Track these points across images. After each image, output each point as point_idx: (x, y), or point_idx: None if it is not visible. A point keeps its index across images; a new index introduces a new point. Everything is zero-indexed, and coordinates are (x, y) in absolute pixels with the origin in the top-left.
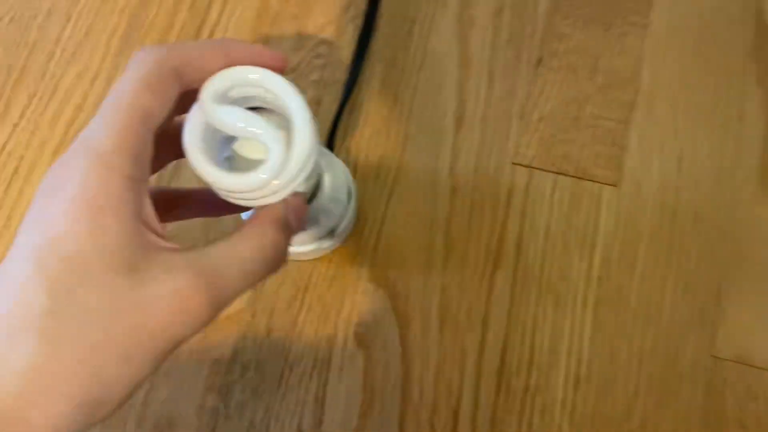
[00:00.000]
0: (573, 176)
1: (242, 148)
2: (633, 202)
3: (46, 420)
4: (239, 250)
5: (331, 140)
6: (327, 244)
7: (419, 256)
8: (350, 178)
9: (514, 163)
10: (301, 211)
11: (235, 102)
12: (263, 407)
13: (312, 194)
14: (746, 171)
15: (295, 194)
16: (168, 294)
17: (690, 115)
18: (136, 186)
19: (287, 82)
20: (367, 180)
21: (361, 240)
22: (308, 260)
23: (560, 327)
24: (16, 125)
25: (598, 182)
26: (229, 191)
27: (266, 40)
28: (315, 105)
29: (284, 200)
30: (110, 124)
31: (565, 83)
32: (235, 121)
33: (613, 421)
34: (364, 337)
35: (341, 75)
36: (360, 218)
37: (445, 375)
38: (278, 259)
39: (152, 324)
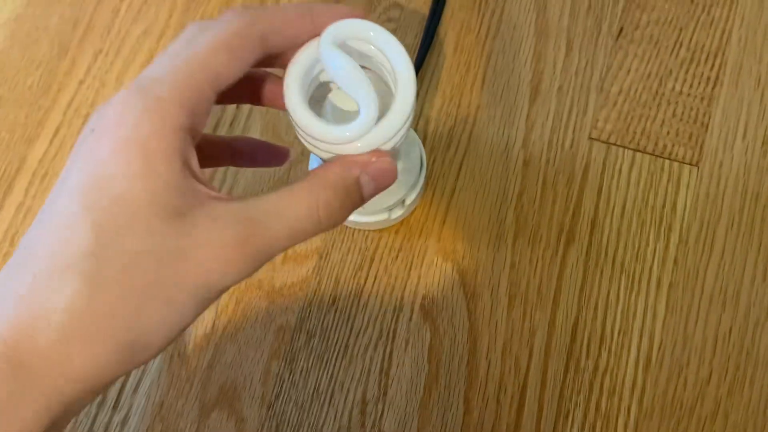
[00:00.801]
0: (652, 154)
1: (337, 100)
2: (713, 183)
3: (87, 360)
4: (287, 207)
5: None
6: (396, 215)
7: (489, 231)
8: (422, 147)
9: (590, 138)
10: (386, 176)
11: None
12: (328, 375)
13: None
14: None
15: (382, 155)
16: (212, 243)
17: None
18: (187, 137)
19: (398, 41)
20: (437, 150)
21: (429, 212)
22: (375, 230)
23: (633, 308)
24: (81, 82)
25: (678, 161)
26: (315, 138)
27: (338, 1)
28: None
29: (362, 162)
30: (176, 73)
31: (646, 56)
32: (343, 67)
33: (684, 406)
34: (430, 309)
35: (413, 40)
36: (429, 190)
37: (513, 352)
38: (330, 221)
39: (195, 271)
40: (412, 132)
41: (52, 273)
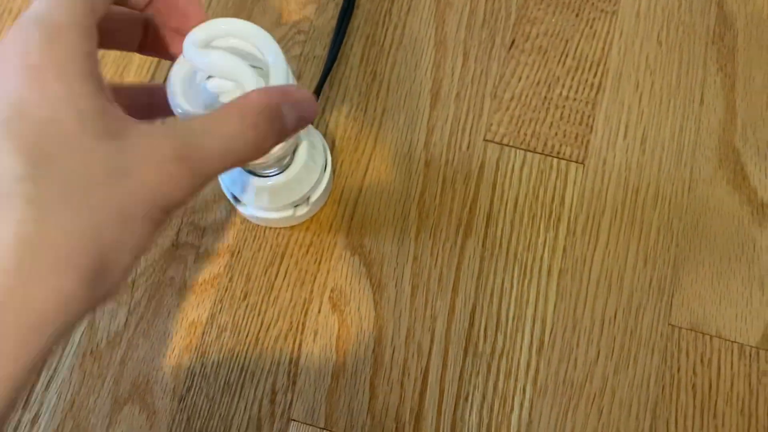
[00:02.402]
0: (541, 153)
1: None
2: (598, 179)
3: (51, 296)
4: (218, 127)
5: None
6: (302, 212)
7: (394, 226)
8: (326, 147)
9: (485, 140)
10: (305, 106)
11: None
12: (238, 367)
13: (289, 160)
14: (705, 151)
15: (299, 87)
16: (151, 158)
17: (654, 98)
18: (96, 62)
19: (258, 27)
20: (346, 152)
21: (338, 209)
22: (286, 228)
23: (526, 294)
24: None
25: (566, 159)
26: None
27: (249, 15)
28: (296, 79)
29: (281, 91)
30: (64, 4)
31: (536, 65)
32: (213, 59)
33: (575, 385)
34: (338, 301)
35: (322, 51)
36: (337, 189)
37: (416, 338)
38: (261, 147)
39: (141, 189)
40: (317, 133)
41: None
